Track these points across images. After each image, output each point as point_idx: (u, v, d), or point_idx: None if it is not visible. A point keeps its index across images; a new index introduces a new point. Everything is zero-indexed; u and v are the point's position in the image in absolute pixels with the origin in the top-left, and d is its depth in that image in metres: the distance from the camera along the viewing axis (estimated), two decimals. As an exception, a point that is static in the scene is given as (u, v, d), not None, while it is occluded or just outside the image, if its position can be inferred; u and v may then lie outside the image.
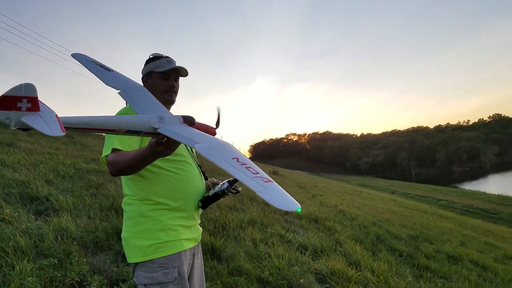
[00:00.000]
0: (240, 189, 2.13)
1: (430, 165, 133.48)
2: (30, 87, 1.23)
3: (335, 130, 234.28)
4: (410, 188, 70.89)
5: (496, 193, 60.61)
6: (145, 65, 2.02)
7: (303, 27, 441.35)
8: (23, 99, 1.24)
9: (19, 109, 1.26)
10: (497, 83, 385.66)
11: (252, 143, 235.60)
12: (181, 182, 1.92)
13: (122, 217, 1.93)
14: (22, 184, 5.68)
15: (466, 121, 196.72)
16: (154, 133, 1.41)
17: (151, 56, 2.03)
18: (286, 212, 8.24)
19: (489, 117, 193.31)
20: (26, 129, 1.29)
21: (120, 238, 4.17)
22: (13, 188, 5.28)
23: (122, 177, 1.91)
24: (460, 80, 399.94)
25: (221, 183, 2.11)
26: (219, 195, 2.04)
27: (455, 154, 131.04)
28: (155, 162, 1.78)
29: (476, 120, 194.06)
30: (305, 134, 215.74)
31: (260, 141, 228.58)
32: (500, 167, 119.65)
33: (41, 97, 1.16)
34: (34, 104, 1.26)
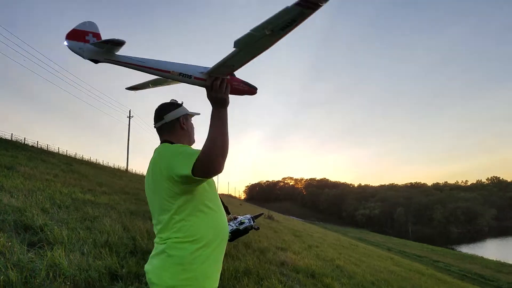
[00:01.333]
0: (257, 227, 2.29)
1: (427, 224, 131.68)
2: (92, 24, 1.54)
3: (333, 178, 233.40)
4: (407, 246, 69.41)
5: (494, 259, 59.34)
6: (175, 109, 2.22)
7: (307, 76, 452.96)
8: (90, 33, 1.50)
9: (88, 41, 1.51)
10: (496, 146, 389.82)
11: (248, 184, 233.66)
12: (222, 218, 2.07)
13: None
14: (18, 211, 5.54)
15: (464, 181, 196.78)
16: (202, 79, 1.77)
17: (179, 102, 2.27)
18: (282, 264, 7.98)
19: (487, 179, 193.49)
20: (97, 61, 1.55)
21: (113, 279, 3.99)
22: (8, 215, 5.14)
23: (170, 218, 1.93)
24: (459, 140, 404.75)
25: (244, 218, 2.25)
26: (248, 230, 2.16)
27: (453, 214, 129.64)
28: (206, 202, 1.98)
29: (474, 181, 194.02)
30: (302, 179, 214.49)
31: (257, 182, 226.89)
32: (498, 232, 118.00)
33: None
34: (98, 39, 1.53)
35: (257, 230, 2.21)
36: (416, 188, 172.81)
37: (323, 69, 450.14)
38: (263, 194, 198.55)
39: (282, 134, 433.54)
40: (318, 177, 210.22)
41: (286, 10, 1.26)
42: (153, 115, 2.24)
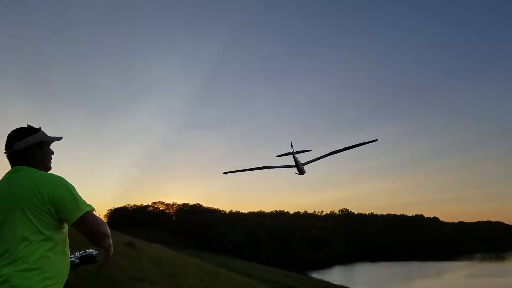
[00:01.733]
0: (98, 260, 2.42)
1: (286, 250, 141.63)
2: None
3: (206, 204, 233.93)
4: (266, 272, 73.07)
5: (338, 283, 67.25)
6: (30, 135, 2.19)
7: (196, 97, 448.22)
8: None
9: None
10: (347, 182, 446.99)
11: (111, 207, 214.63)
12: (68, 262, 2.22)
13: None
14: None
15: (320, 211, 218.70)
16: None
17: (34, 127, 2.24)
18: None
19: (339, 210, 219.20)
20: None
21: None
22: None
23: (31, 246, 1.94)
24: (320, 173, 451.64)
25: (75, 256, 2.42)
26: (89, 261, 2.33)
27: (308, 242, 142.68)
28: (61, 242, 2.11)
29: (328, 212, 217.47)
30: (174, 204, 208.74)
31: (122, 205, 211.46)
32: (343, 259, 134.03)
33: None
34: None
35: (96, 263, 2.31)
36: (280, 216, 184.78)
37: (212, 95, 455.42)
38: (129, 220, 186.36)
39: (161, 156, 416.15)
40: (192, 202, 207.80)
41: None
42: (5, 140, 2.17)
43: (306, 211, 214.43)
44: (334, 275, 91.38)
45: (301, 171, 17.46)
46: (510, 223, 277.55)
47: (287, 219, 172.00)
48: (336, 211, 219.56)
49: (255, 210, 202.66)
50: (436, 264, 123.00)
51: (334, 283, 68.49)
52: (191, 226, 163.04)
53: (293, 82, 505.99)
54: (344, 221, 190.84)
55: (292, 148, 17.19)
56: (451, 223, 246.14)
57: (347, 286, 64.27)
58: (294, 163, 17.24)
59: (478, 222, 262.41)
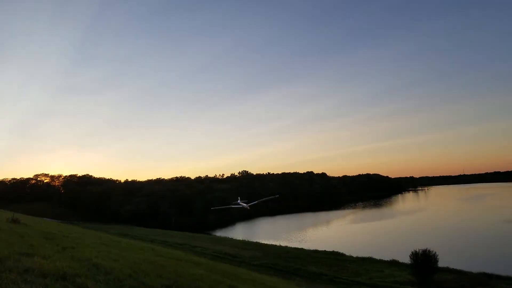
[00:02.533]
0: None
1: (189, 213, 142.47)
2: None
3: (97, 174, 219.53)
4: (169, 236, 73.31)
5: (240, 239, 70.67)
6: None
7: (71, 60, 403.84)
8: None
9: None
10: (247, 145, 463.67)
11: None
12: None
13: None
14: None
15: (221, 174, 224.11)
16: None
17: None
18: (26, 271, 7.01)
19: (239, 172, 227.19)
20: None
21: None
22: None
23: None
24: (221, 139, 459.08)
25: None
26: None
27: (211, 204, 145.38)
28: None
29: (229, 174, 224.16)
30: (60, 176, 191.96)
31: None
32: (244, 216, 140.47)
33: None
34: None
35: None
36: (181, 182, 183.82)
37: (92, 54, 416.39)
38: (8, 195, 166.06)
39: (36, 124, 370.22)
40: (80, 174, 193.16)
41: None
42: None
43: (207, 175, 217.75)
44: (236, 231, 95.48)
45: (246, 209, 53.25)
46: (385, 175, 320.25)
47: (188, 184, 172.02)
48: (236, 173, 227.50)
49: (154, 178, 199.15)
50: (325, 214, 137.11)
51: (237, 238, 71.94)
52: (83, 198, 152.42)
53: (184, 43, 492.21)
54: (244, 182, 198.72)
55: (238, 200, 67.98)
56: (336, 177, 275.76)
57: (248, 239, 68.14)
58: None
59: (359, 175, 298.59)
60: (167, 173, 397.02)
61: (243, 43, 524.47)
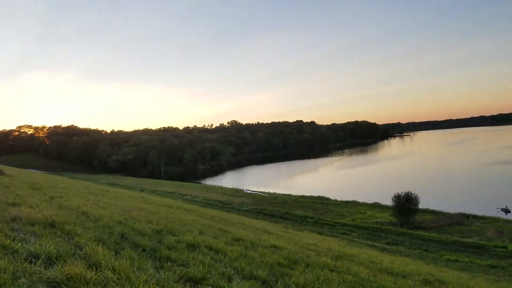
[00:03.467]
0: None
1: (178, 163, 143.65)
2: None
3: (82, 124, 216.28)
4: (159, 185, 74.24)
5: (230, 187, 72.14)
6: None
7: (52, 5, 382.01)
8: None
9: None
10: (236, 94, 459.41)
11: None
12: None
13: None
14: None
15: (210, 124, 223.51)
16: None
17: None
18: (14, 219, 6.97)
19: (228, 122, 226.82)
20: None
21: None
22: None
23: None
24: (209, 87, 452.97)
25: None
26: None
27: (200, 154, 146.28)
28: None
29: (218, 125, 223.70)
30: (44, 127, 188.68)
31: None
32: (234, 165, 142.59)
33: None
34: None
35: None
36: (169, 132, 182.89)
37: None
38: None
39: (17, 75, 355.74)
40: (65, 124, 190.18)
41: None
42: None
43: (196, 125, 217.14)
44: (226, 180, 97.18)
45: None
46: (373, 122, 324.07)
47: (177, 135, 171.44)
48: (225, 123, 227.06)
49: (141, 128, 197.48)
50: (314, 161, 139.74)
51: (227, 187, 73.41)
52: (69, 149, 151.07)
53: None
54: (234, 131, 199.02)
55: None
56: (325, 125, 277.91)
57: (238, 187, 69.60)
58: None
59: (348, 122, 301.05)
60: (155, 124, 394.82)
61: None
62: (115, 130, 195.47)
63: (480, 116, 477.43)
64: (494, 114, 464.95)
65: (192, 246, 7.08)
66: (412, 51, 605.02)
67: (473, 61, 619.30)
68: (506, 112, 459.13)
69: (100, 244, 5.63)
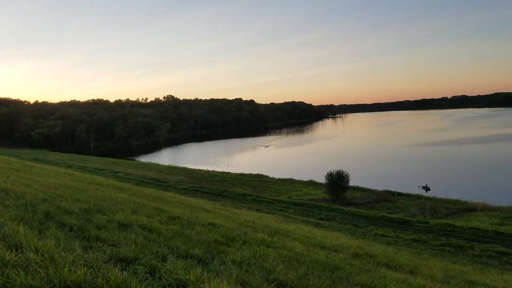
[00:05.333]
0: None
1: (109, 139, 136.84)
2: None
3: (2, 94, 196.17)
4: (88, 161, 70.39)
5: (167, 164, 70.42)
6: None
7: None
8: None
9: None
10: (173, 68, 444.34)
11: None
12: None
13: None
14: None
15: (144, 98, 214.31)
16: None
17: None
18: None
19: (164, 97, 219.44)
20: None
21: None
22: None
23: None
24: (142, 60, 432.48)
25: None
26: None
27: (134, 129, 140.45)
28: None
29: (153, 99, 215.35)
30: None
31: None
32: (171, 142, 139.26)
33: None
34: None
35: None
36: (99, 105, 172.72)
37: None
38: None
39: None
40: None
41: None
42: None
43: (128, 99, 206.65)
44: (162, 157, 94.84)
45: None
46: (308, 103, 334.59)
47: (107, 108, 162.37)
48: (161, 98, 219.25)
49: (68, 100, 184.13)
50: (252, 140, 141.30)
51: (163, 164, 71.63)
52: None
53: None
54: (170, 107, 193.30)
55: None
56: (264, 104, 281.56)
57: (175, 165, 68.23)
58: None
59: (285, 102, 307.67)
60: (84, 96, 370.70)
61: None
62: (39, 101, 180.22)
63: (405, 101, 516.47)
64: (418, 99, 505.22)
65: (124, 226, 6.76)
66: (346, 33, 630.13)
67: (402, 46, 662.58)
68: (427, 97, 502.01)
69: (21, 224, 5.15)
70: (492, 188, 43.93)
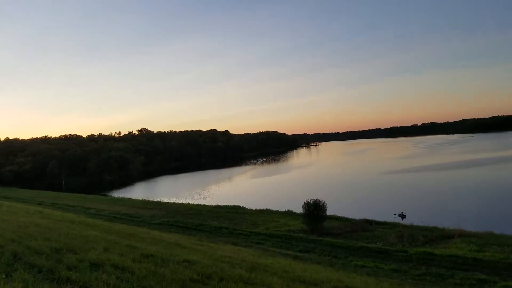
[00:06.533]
0: None
1: (81, 174, 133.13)
2: None
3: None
4: (59, 198, 68.04)
5: (140, 198, 68.81)
6: None
7: None
8: None
9: None
10: (146, 101, 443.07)
11: None
12: None
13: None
14: None
15: (117, 132, 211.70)
16: None
17: None
18: None
19: (138, 130, 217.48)
20: None
21: None
22: None
23: None
24: (115, 93, 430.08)
25: None
26: None
27: (107, 163, 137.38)
28: None
29: (127, 133, 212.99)
30: None
31: None
32: (145, 175, 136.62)
33: None
34: None
35: None
36: (71, 140, 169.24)
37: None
38: None
39: None
40: None
41: None
42: None
43: (101, 133, 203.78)
44: (135, 191, 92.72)
45: None
46: (282, 132, 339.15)
47: (80, 143, 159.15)
48: (135, 131, 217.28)
49: (40, 136, 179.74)
50: (228, 170, 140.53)
51: (136, 198, 69.96)
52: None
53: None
54: (144, 139, 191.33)
55: None
56: (238, 134, 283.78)
57: (148, 199, 66.79)
58: None
59: (260, 132, 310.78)
60: (55, 131, 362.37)
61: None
62: (10, 137, 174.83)
63: (376, 129, 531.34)
64: (388, 127, 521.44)
65: (95, 265, 6.59)
66: (316, 65, 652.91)
67: (372, 76, 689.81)
68: (398, 125, 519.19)
69: (-14, 267, 4.97)
70: (467, 214, 44.29)
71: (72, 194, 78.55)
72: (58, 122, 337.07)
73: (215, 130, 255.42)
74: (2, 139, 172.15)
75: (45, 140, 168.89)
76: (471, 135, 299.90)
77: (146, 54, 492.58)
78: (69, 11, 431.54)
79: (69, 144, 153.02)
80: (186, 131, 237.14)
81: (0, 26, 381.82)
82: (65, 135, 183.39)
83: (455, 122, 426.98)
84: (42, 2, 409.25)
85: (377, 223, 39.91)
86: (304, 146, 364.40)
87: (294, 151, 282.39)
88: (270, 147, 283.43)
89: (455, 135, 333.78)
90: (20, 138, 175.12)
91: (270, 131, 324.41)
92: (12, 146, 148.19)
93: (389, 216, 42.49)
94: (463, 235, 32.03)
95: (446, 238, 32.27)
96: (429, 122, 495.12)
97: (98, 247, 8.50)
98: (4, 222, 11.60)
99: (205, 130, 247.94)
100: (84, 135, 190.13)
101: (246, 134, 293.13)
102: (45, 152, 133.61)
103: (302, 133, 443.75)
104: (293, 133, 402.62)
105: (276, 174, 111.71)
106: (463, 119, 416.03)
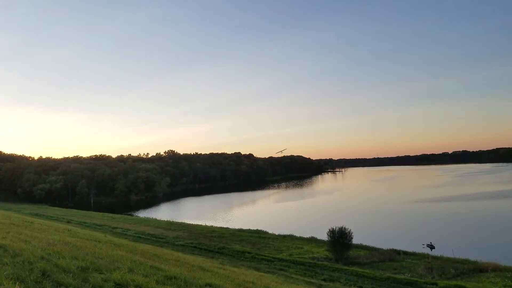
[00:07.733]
0: None
1: (109, 194, 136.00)
2: None
3: (8, 150, 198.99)
4: (87, 217, 69.65)
5: (165, 219, 69.55)
6: None
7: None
8: None
9: None
10: (174, 124, 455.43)
11: None
12: None
13: None
14: None
15: (146, 154, 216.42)
16: None
17: None
18: None
19: (165, 152, 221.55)
20: None
21: None
22: None
23: None
24: (146, 117, 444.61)
25: None
26: None
27: (134, 184, 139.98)
28: None
29: (154, 154, 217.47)
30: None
31: None
32: (170, 196, 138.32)
33: None
34: None
35: None
36: (101, 160, 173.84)
37: (3, 19, 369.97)
38: None
39: None
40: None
41: None
42: None
43: (130, 154, 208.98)
44: (161, 212, 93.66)
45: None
46: (307, 157, 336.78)
47: (109, 163, 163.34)
48: (162, 153, 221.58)
49: (71, 156, 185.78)
50: (251, 194, 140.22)
51: (161, 219, 70.67)
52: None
53: (108, 12, 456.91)
54: (170, 161, 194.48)
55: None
56: (263, 158, 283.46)
57: (173, 220, 67.37)
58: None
59: (284, 156, 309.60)
60: (86, 151, 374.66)
61: (172, 16, 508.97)
62: (43, 156, 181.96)
63: (405, 156, 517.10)
64: (418, 154, 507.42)
65: (120, 286, 6.70)
66: (344, 90, 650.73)
67: (402, 102, 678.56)
68: (428, 152, 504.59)
69: (17, 283, 5.19)
70: (501, 247, 42.23)
71: (100, 213, 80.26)
72: (90, 143, 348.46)
73: (239, 153, 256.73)
74: (36, 157, 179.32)
75: (76, 159, 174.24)
76: (505, 164, 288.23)
77: (175, 79, 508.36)
78: (106, 38, 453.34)
79: (99, 164, 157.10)
80: (211, 154, 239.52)
81: (41, 50, 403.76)
82: (95, 155, 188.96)
83: (488, 151, 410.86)
84: (78, 31, 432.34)
85: (405, 253, 38.49)
86: (329, 171, 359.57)
87: (319, 176, 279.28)
88: (294, 171, 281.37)
89: (487, 164, 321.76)
90: (53, 157, 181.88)
91: (295, 155, 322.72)
92: (45, 165, 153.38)
93: (417, 246, 40.90)
94: (497, 269, 30.46)
95: (479, 271, 30.83)
96: (461, 150, 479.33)
97: (123, 267, 8.64)
98: (35, 239, 12.00)
99: (230, 153, 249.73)
100: (114, 155, 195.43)
101: (270, 157, 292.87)
102: (75, 171, 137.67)
103: (328, 158, 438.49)
104: (318, 158, 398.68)
105: (300, 199, 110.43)
106: (496, 148, 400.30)
